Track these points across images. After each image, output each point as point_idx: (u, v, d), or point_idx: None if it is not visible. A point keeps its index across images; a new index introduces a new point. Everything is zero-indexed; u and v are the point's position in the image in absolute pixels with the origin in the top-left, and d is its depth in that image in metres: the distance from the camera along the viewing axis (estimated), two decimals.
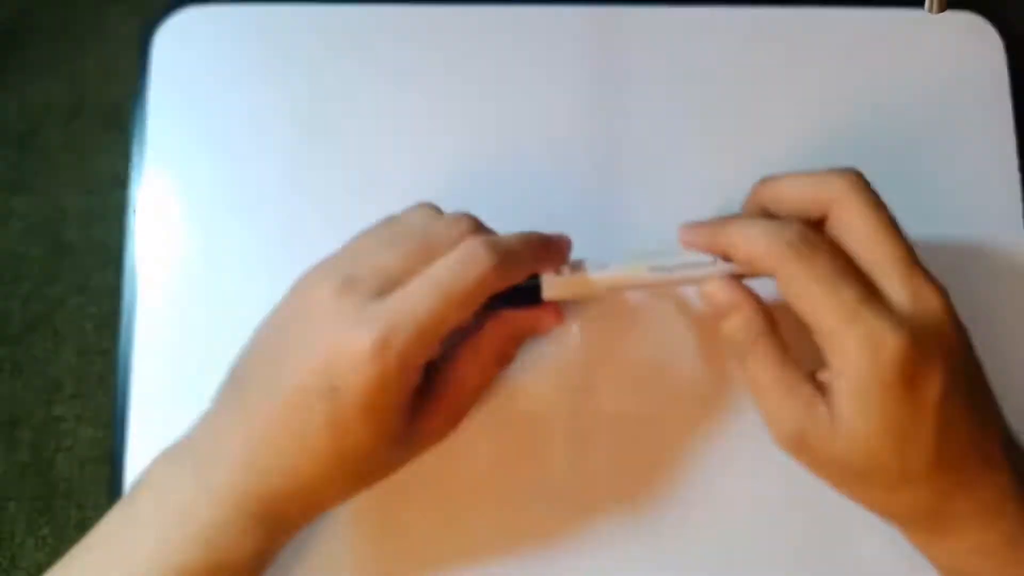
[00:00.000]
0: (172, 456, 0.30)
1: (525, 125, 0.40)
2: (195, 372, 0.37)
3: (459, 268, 0.29)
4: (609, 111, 0.40)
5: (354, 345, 0.27)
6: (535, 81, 0.41)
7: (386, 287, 0.29)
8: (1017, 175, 0.40)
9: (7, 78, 0.43)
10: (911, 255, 0.29)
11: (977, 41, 0.41)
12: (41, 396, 0.40)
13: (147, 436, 0.37)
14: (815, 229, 0.30)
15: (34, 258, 0.41)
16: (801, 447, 0.29)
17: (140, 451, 0.37)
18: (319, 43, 0.41)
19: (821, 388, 0.29)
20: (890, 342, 0.27)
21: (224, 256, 0.39)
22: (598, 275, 0.33)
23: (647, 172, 0.40)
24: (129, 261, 0.39)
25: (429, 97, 0.40)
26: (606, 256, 0.34)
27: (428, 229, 0.30)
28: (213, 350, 0.38)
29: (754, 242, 0.29)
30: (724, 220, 0.32)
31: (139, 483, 0.30)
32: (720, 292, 0.31)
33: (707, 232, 0.32)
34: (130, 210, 0.40)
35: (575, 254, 0.39)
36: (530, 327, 0.33)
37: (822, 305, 0.28)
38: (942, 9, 0.40)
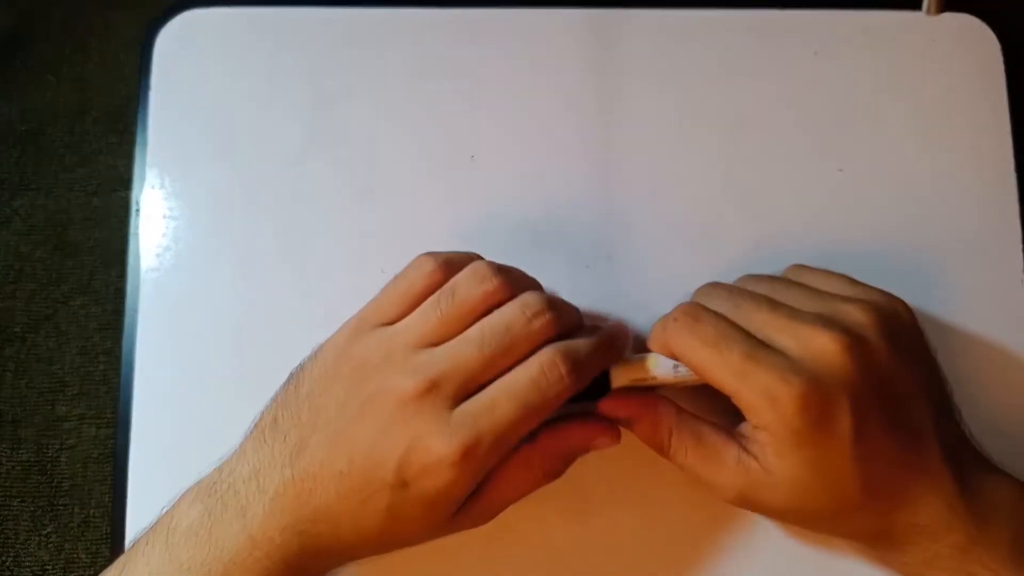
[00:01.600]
0: (212, 496, 0.30)
1: (527, 126, 0.41)
2: (198, 372, 0.38)
3: (542, 382, 0.29)
4: (609, 112, 0.41)
5: (435, 451, 0.28)
6: (537, 82, 0.41)
7: (468, 389, 0.29)
8: (1013, 175, 0.40)
9: (11, 80, 0.44)
10: (777, 311, 0.31)
11: (974, 43, 0.41)
12: (45, 395, 0.40)
13: (150, 435, 0.37)
14: (700, 305, 0.32)
15: (38, 258, 0.41)
16: (745, 503, 0.31)
17: (143, 450, 0.37)
18: (319, 46, 0.41)
19: (745, 441, 0.31)
20: (784, 392, 0.28)
21: (226, 257, 0.39)
22: (661, 371, 0.32)
23: (646, 173, 0.40)
24: (132, 261, 0.39)
25: (430, 99, 0.41)
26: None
27: (509, 322, 0.30)
28: (216, 350, 0.38)
29: (656, 333, 0.32)
30: None
31: (176, 521, 0.30)
32: (618, 409, 0.32)
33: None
34: (133, 211, 0.40)
35: (575, 255, 0.40)
36: (583, 446, 0.33)
37: (715, 367, 0.30)
38: (939, 11, 0.41)
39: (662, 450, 0.32)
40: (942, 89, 0.41)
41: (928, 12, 0.41)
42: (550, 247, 0.39)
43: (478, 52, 0.41)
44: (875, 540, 0.32)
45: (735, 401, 0.30)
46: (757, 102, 0.41)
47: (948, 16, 0.41)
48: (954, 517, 0.29)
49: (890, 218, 0.39)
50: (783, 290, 0.33)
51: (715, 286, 0.34)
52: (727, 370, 0.29)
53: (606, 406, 0.32)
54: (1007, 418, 0.37)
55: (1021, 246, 0.39)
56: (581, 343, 0.31)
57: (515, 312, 0.30)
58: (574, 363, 0.30)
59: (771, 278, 0.35)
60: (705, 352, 0.30)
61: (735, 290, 0.33)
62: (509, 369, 0.30)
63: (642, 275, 0.39)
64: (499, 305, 0.31)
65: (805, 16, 0.42)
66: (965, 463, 0.31)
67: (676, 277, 0.39)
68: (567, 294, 0.38)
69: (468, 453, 0.28)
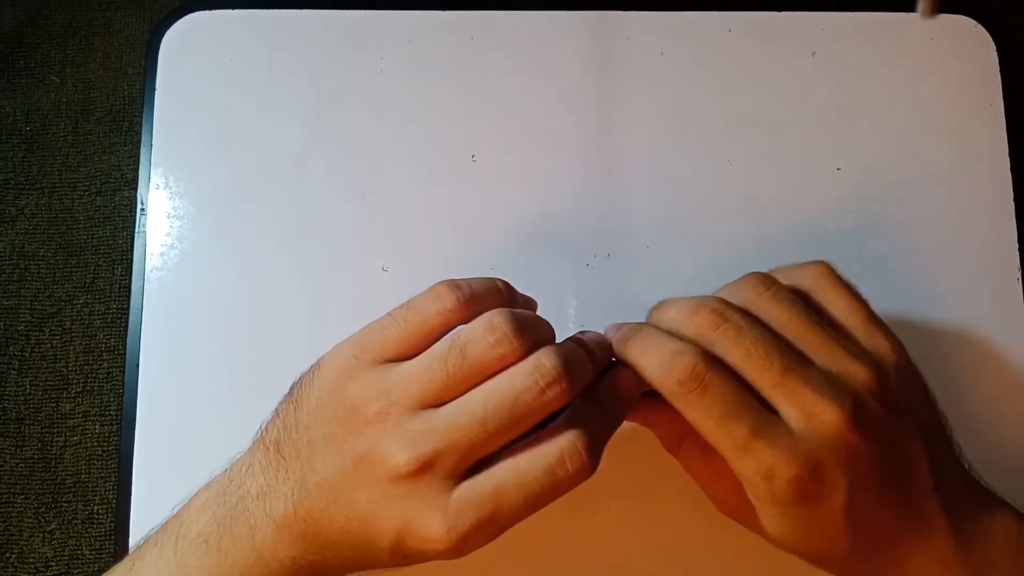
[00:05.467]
0: (222, 506, 0.29)
1: (527, 127, 0.41)
2: (201, 370, 0.38)
3: (559, 472, 0.27)
4: (608, 113, 0.41)
5: (431, 536, 0.26)
6: (537, 84, 0.41)
7: (468, 463, 0.27)
8: (1008, 176, 0.40)
9: (15, 80, 0.44)
10: (788, 373, 0.29)
11: (970, 44, 0.42)
12: (49, 393, 0.40)
13: (154, 432, 0.38)
14: (708, 358, 0.29)
15: (42, 257, 0.42)
16: (739, 520, 0.31)
17: (147, 447, 0.37)
18: (322, 48, 0.42)
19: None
20: (780, 472, 0.28)
21: (229, 255, 0.39)
22: None
23: (646, 172, 0.40)
24: (136, 260, 0.39)
25: (432, 100, 0.41)
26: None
27: (519, 393, 0.27)
28: (219, 348, 0.38)
29: (650, 372, 0.29)
30: (632, 333, 0.31)
31: (186, 527, 0.29)
32: (636, 414, 0.32)
33: (617, 342, 0.31)
34: (137, 210, 0.40)
35: (575, 254, 0.40)
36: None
37: (716, 437, 0.29)
38: (934, 14, 0.41)
39: (673, 452, 0.33)
40: (938, 89, 0.41)
41: (923, 15, 0.41)
42: (550, 247, 0.40)
43: (479, 54, 0.42)
44: None
45: (729, 463, 0.29)
46: (756, 102, 0.41)
47: (944, 18, 0.42)
48: (947, 570, 0.30)
49: (888, 217, 0.40)
50: (797, 328, 0.30)
51: (722, 313, 0.30)
52: (730, 444, 0.28)
53: (636, 417, 0.32)
54: (1000, 419, 0.38)
55: (1017, 245, 0.40)
56: (601, 421, 0.29)
57: (526, 380, 0.27)
58: (597, 450, 0.27)
59: (790, 301, 0.31)
60: (709, 424, 0.29)
61: (745, 332, 0.30)
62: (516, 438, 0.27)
63: (642, 274, 0.39)
64: (513, 363, 0.28)
65: (803, 17, 0.42)
66: (962, 508, 0.30)
67: (676, 276, 0.39)
68: (567, 293, 0.39)
69: (467, 539, 0.26)
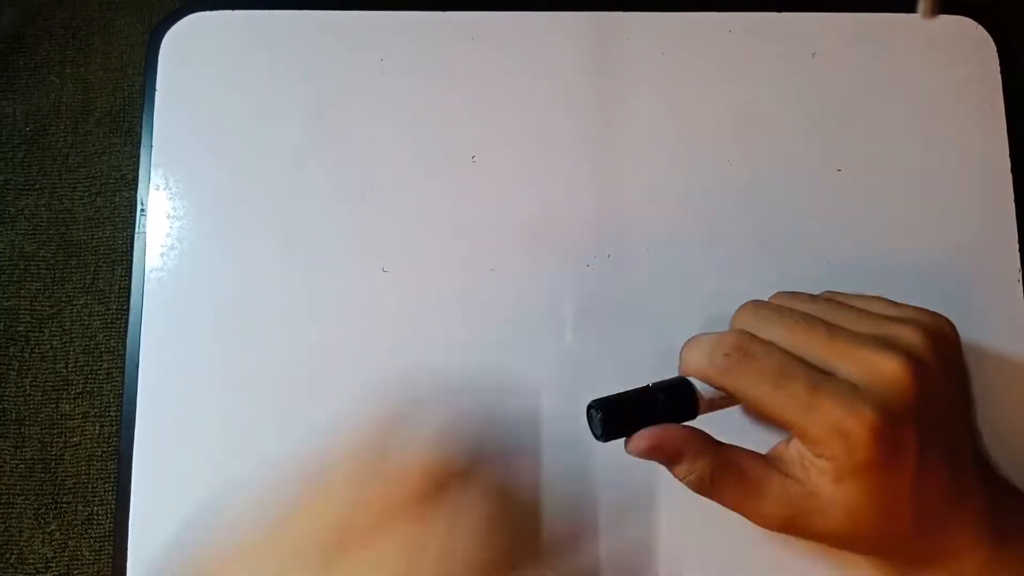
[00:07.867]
0: None
1: (528, 127, 0.41)
2: (201, 371, 0.38)
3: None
4: (609, 113, 0.41)
5: None
6: (538, 84, 0.41)
7: None
8: (1009, 175, 0.40)
9: (15, 80, 0.44)
10: (836, 337, 0.29)
11: (970, 45, 0.42)
12: (49, 394, 0.40)
13: (153, 433, 0.38)
14: (751, 335, 0.29)
15: (42, 258, 0.42)
16: (785, 530, 0.29)
17: (146, 448, 0.37)
18: (322, 48, 0.42)
19: (785, 465, 0.29)
20: (854, 424, 0.27)
21: (229, 256, 0.39)
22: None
23: (646, 173, 0.40)
24: (136, 261, 0.39)
25: (432, 101, 0.41)
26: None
27: None
28: (219, 349, 0.38)
29: (696, 363, 0.29)
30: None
31: None
32: (656, 447, 0.30)
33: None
34: (137, 211, 0.40)
35: (575, 255, 0.40)
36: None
37: (774, 404, 0.28)
38: (934, 15, 0.41)
39: (703, 490, 0.30)
40: (939, 90, 0.41)
41: (923, 16, 0.41)
42: (550, 247, 0.39)
43: (479, 55, 0.42)
44: (902, 563, 0.31)
45: (797, 435, 0.28)
46: (756, 103, 0.41)
47: (944, 18, 0.42)
48: (981, 538, 0.29)
49: (888, 218, 0.40)
50: (831, 311, 0.31)
51: (758, 307, 0.31)
52: (792, 405, 0.27)
53: (643, 443, 0.29)
54: (1000, 419, 0.38)
55: (1018, 246, 0.40)
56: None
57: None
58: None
59: (812, 297, 0.33)
60: (765, 389, 0.28)
61: (784, 311, 0.30)
62: None
63: (642, 275, 0.39)
64: None
65: (803, 18, 0.42)
66: (989, 482, 0.30)
67: (676, 277, 0.39)
68: (567, 294, 0.39)
69: None
